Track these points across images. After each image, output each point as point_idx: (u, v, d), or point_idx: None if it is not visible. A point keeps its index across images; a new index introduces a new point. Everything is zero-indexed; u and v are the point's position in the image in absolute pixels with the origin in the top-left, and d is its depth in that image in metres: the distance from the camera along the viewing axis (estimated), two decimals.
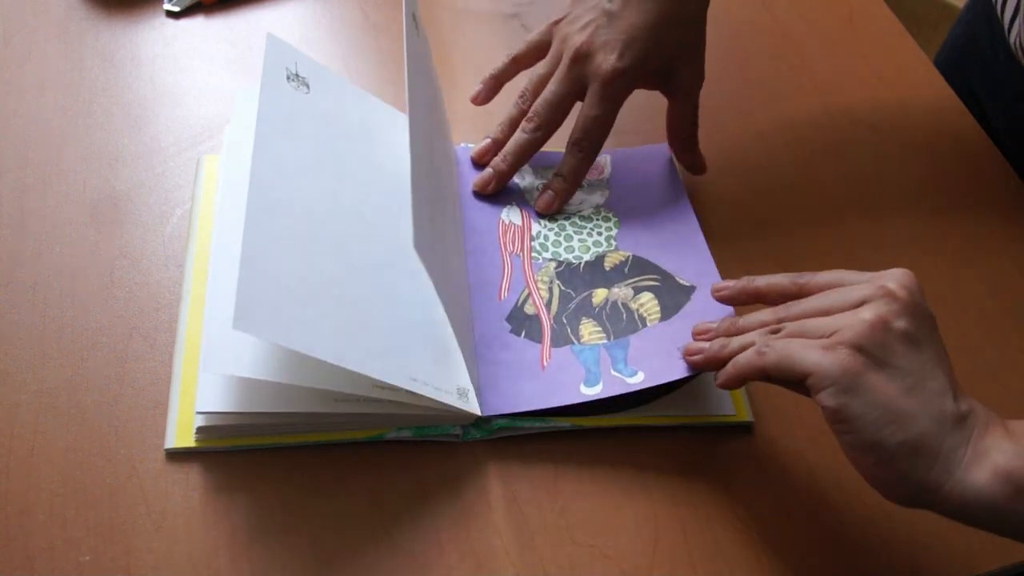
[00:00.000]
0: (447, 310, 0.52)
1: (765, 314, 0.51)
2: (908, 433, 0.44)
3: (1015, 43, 0.74)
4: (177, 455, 0.53)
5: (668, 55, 0.65)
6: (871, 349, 0.45)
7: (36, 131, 0.68)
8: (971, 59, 0.86)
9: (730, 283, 0.54)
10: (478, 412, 0.53)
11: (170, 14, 0.78)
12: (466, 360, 0.54)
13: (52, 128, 0.68)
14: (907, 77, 0.81)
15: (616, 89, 0.63)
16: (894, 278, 0.48)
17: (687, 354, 0.54)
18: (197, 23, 0.78)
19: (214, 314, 0.54)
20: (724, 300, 0.55)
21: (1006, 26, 0.76)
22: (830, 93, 0.79)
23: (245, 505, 0.51)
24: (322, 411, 0.52)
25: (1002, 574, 0.53)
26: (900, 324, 0.46)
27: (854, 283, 0.49)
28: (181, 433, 0.53)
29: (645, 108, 0.71)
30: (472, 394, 0.54)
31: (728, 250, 0.66)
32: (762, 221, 0.69)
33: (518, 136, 0.65)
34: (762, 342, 0.48)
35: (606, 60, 0.62)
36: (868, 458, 0.45)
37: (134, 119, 0.70)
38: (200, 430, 0.52)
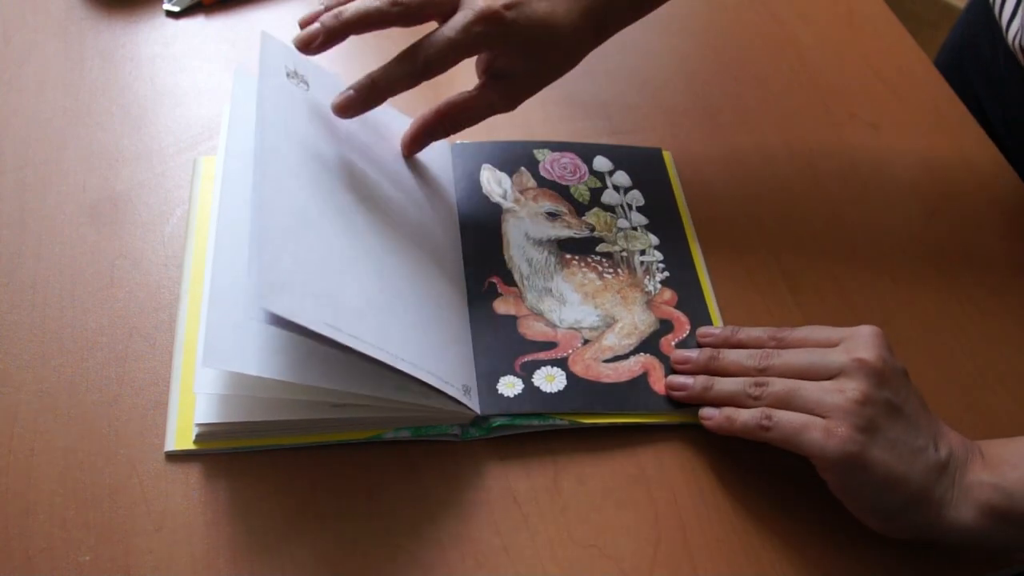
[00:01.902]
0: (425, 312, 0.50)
1: (743, 356, 0.55)
2: (905, 494, 0.49)
3: (1014, 43, 0.74)
4: (177, 456, 0.53)
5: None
6: (864, 426, 0.49)
7: (36, 131, 0.68)
8: (971, 59, 0.86)
9: (715, 331, 0.58)
10: (477, 411, 0.53)
11: (170, 14, 0.78)
12: (464, 357, 0.53)
13: (52, 128, 0.68)
14: (907, 77, 0.81)
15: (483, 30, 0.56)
16: (865, 345, 0.51)
17: (670, 387, 0.56)
18: (197, 23, 0.78)
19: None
20: (707, 347, 0.57)
21: (1004, 26, 0.76)
22: (830, 93, 0.79)
23: (245, 505, 0.51)
24: (319, 417, 0.52)
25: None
26: (882, 395, 0.50)
27: (828, 340, 0.53)
28: (181, 435, 0.53)
29: (642, 107, 0.71)
30: (474, 392, 0.54)
31: (727, 249, 0.66)
32: (761, 221, 0.69)
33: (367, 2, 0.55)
34: (762, 413, 0.51)
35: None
36: (871, 518, 0.50)
37: (134, 119, 0.70)
38: (199, 437, 0.52)
